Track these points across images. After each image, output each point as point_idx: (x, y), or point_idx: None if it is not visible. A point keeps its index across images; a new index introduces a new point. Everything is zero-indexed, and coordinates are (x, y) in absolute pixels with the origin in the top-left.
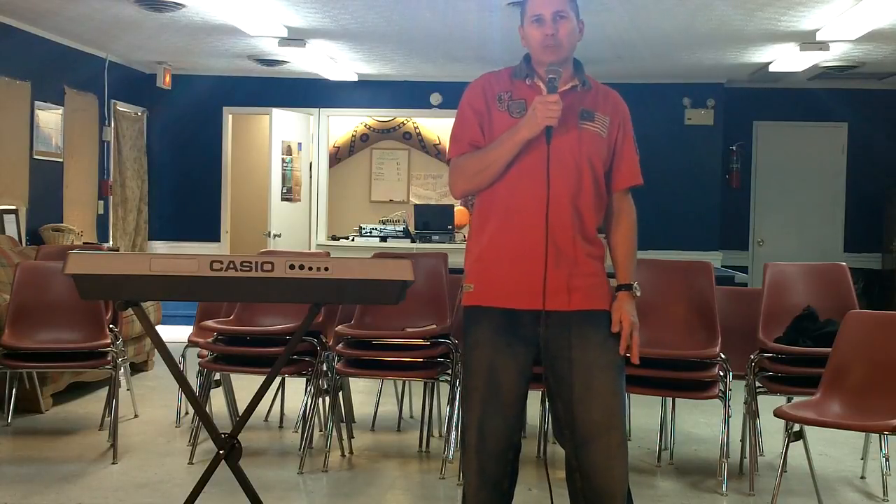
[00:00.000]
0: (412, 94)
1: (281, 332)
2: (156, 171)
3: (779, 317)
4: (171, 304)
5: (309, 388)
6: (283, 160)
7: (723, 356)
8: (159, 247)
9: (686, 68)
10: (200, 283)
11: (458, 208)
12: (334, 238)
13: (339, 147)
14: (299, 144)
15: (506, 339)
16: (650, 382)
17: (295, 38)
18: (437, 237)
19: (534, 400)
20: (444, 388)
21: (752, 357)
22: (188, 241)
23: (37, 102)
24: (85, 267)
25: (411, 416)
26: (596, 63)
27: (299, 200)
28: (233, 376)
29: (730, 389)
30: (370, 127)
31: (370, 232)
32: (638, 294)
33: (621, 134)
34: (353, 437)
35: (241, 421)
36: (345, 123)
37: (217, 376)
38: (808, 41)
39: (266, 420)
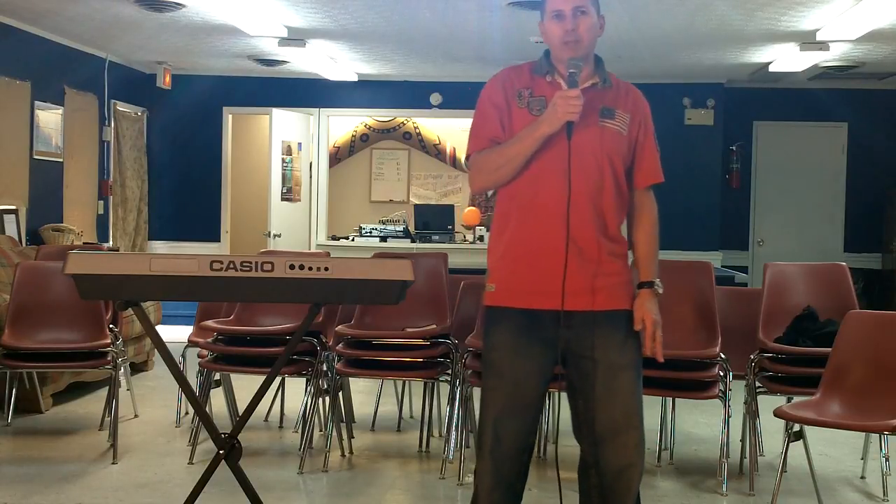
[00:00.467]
0: (412, 94)
1: (281, 332)
2: (156, 171)
3: (779, 317)
4: (171, 304)
5: (309, 388)
6: (283, 160)
7: (723, 356)
8: (159, 247)
9: (686, 68)
10: (200, 283)
11: (469, 208)
12: (334, 238)
13: (339, 147)
14: (299, 144)
15: (526, 340)
16: (650, 382)
17: (295, 38)
18: (437, 237)
19: None
20: (444, 388)
21: (752, 357)
22: (188, 241)
23: (37, 102)
24: (85, 267)
25: (411, 416)
26: None
27: (299, 200)
28: (233, 376)
29: (730, 389)
30: (370, 127)
31: (370, 232)
32: (660, 291)
33: (642, 131)
34: (353, 437)
35: (241, 421)
36: (345, 123)
37: (217, 376)
38: (808, 41)
39: (266, 420)
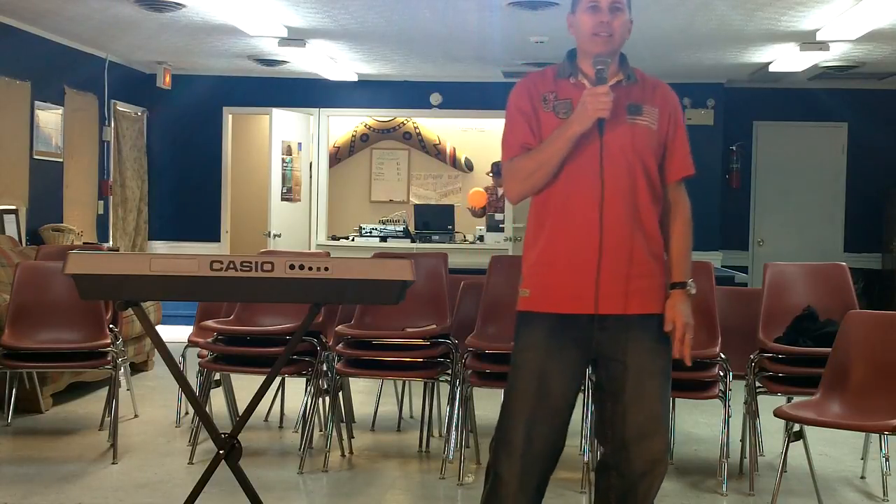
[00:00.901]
0: (412, 94)
1: (281, 332)
2: (156, 171)
3: (779, 317)
4: (171, 304)
5: (309, 388)
6: (283, 160)
7: (723, 356)
8: (159, 247)
9: (686, 68)
10: (200, 283)
11: (475, 189)
12: (334, 238)
13: (339, 147)
14: (299, 144)
15: (558, 342)
16: None
17: (295, 38)
18: (437, 237)
19: None
20: (444, 388)
21: (752, 357)
22: (188, 241)
23: (37, 102)
24: (85, 267)
25: (411, 416)
26: None
27: (299, 200)
28: (233, 376)
29: (730, 389)
30: (370, 127)
31: (370, 232)
32: (693, 292)
33: (672, 125)
34: (353, 437)
35: (241, 421)
36: (345, 123)
37: (217, 376)
38: (808, 41)
39: (266, 420)
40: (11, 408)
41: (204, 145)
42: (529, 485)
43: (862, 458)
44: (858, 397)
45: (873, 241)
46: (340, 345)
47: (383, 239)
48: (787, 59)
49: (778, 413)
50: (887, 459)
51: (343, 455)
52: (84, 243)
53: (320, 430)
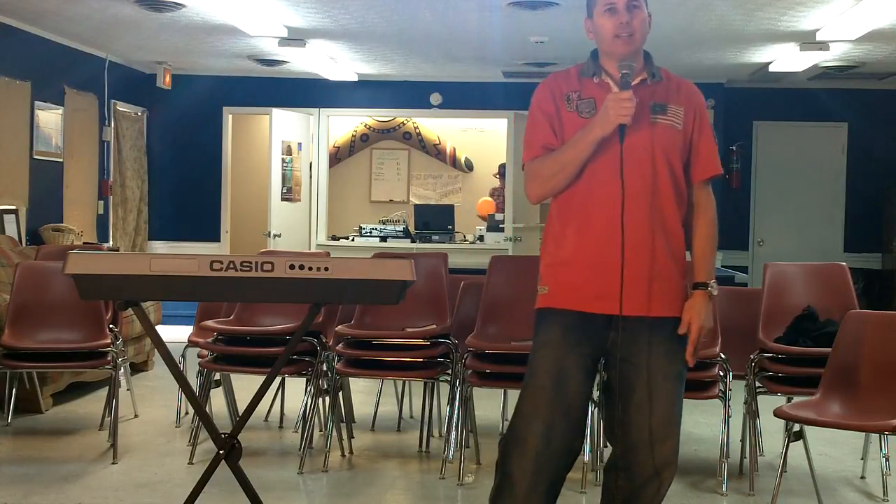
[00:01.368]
0: (412, 94)
1: (281, 332)
2: (156, 171)
3: (779, 317)
4: (171, 304)
5: (309, 388)
6: (283, 160)
7: (723, 356)
8: (159, 247)
9: (686, 68)
10: (200, 283)
11: (484, 199)
12: (334, 238)
13: (339, 147)
14: (299, 144)
15: (576, 340)
16: None
17: (295, 38)
18: (437, 237)
19: None
20: (444, 388)
21: (752, 357)
22: (188, 241)
23: (37, 102)
24: (85, 267)
25: (411, 416)
26: None
27: (299, 200)
28: (233, 376)
29: (730, 389)
30: (370, 127)
31: (370, 232)
32: (714, 293)
33: (697, 124)
34: (353, 437)
35: (241, 421)
36: (345, 123)
37: (217, 376)
38: (808, 41)
39: (266, 420)
40: (11, 408)
41: (204, 145)
42: (541, 485)
43: (862, 458)
44: (858, 397)
45: (873, 241)
46: (340, 345)
47: (383, 239)
48: (787, 59)
49: (778, 413)
50: (887, 459)
51: (343, 455)
52: (84, 243)
53: (320, 430)
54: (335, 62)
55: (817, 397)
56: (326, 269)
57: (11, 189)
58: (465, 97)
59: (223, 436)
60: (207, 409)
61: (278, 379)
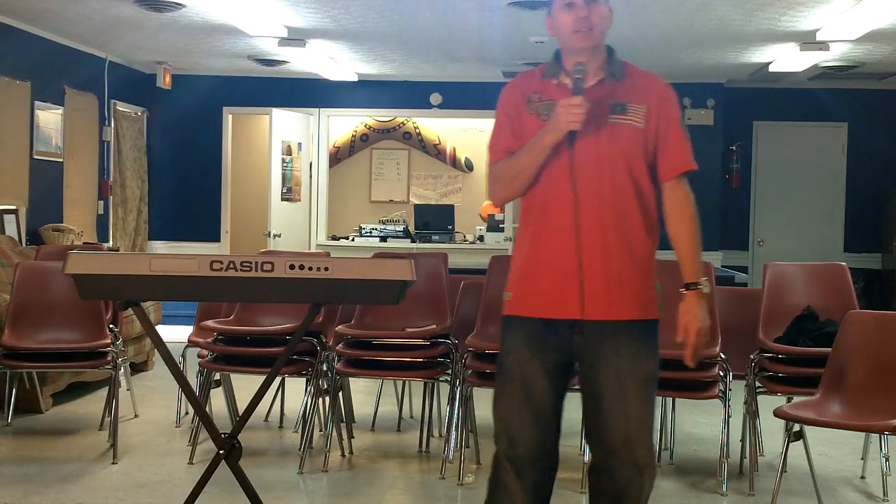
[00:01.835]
0: (412, 94)
1: (281, 332)
2: (156, 171)
3: (779, 317)
4: (171, 304)
5: (309, 388)
6: (283, 160)
7: (723, 356)
8: (159, 247)
9: (686, 68)
10: (200, 283)
11: (488, 203)
12: (334, 238)
13: (339, 147)
14: (299, 144)
15: (538, 344)
16: None
17: (295, 38)
18: (437, 237)
19: None
20: (444, 388)
21: (752, 357)
22: (188, 241)
23: (37, 102)
24: (85, 267)
25: (411, 416)
26: None
27: (299, 200)
28: (233, 376)
29: (730, 389)
30: (370, 127)
31: (370, 232)
32: (706, 291)
33: (664, 120)
34: (353, 437)
35: (241, 421)
36: (345, 123)
37: (217, 376)
38: (808, 41)
39: (266, 420)
40: (11, 408)
41: (204, 145)
42: (527, 487)
43: (862, 458)
44: (858, 397)
45: (873, 241)
46: (340, 345)
47: (383, 239)
48: (787, 59)
49: (778, 413)
50: (887, 459)
51: (343, 455)
52: (84, 243)
53: (320, 430)
54: (335, 62)
55: (817, 397)
56: (326, 269)
57: (11, 189)
58: (465, 97)
59: (223, 436)
60: (207, 409)
61: (278, 379)
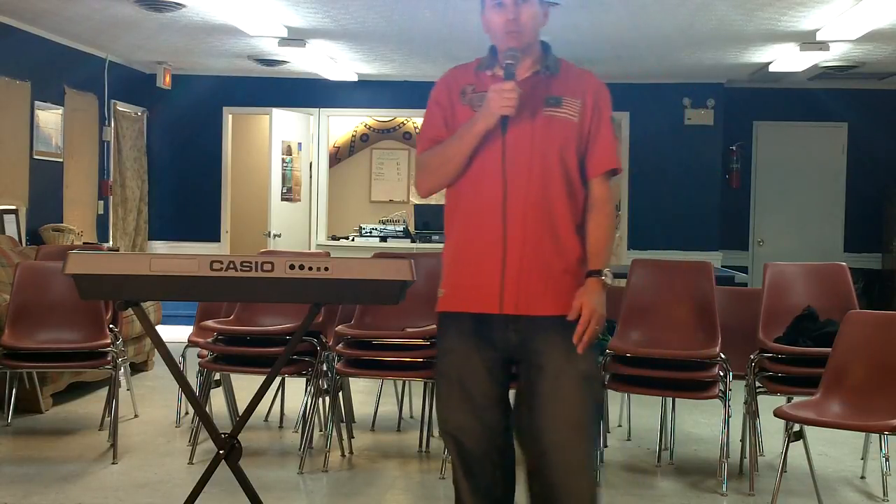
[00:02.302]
0: (412, 94)
1: (281, 332)
2: (156, 171)
3: (779, 317)
4: (171, 304)
5: (309, 388)
6: (283, 160)
7: (723, 356)
8: (159, 247)
9: (686, 68)
10: (200, 283)
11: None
12: (334, 238)
13: (339, 147)
14: (299, 144)
15: (474, 343)
16: (650, 382)
17: (295, 38)
18: (437, 237)
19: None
20: None
21: (752, 357)
22: (188, 241)
23: (37, 102)
24: (85, 267)
25: (411, 416)
26: (596, 63)
27: (299, 200)
28: (233, 376)
29: (730, 389)
30: (370, 127)
31: (370, 232)
32: (608, 282)
33: (595, 117)
34: (353, 437)
35: (241, 421)
36: (345, 123)
37: (217, 376)
38: (808, 41)
39: (266, 420)
40: (11, 408)
41: (204, 145)
42: (480, 487)
43: (862, 458)
44: (858, 397)
45: (873, 241)
46: (340, 345)
47: (383, 239)
48: (787, 59)
49: (778, 413)
50: (887, 459)
51: (343, 455)
52: (84, 243)
53: (320, 430)
54: (335, 62)
55: (817, 397)
56: (326, 269)
57: (11, 189)
58: None
59: (223, 436)
60: (207, 409)
61: (278, 379)
